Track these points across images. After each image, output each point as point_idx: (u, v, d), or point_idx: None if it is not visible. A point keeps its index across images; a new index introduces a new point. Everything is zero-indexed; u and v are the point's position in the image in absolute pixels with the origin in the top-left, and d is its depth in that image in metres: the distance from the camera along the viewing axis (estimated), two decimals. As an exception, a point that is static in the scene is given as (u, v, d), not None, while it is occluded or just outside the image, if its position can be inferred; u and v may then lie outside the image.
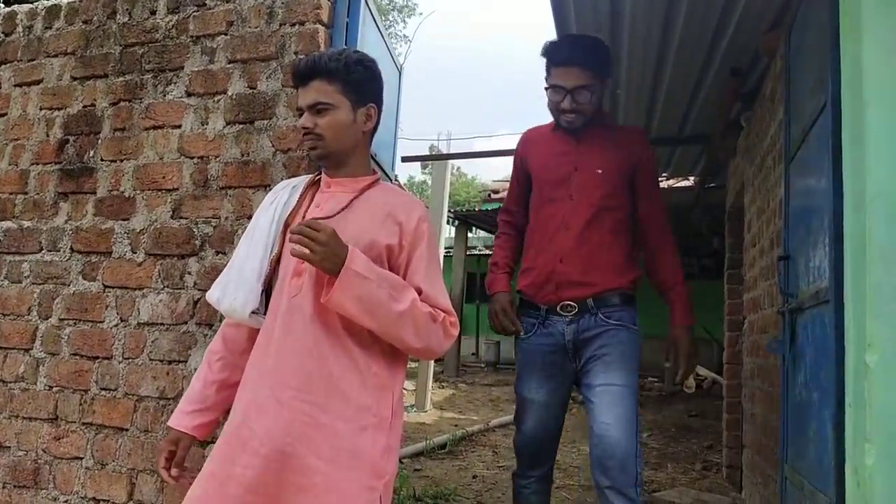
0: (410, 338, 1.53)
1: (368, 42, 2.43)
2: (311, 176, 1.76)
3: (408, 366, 1.77)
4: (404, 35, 16.46)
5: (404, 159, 7.26)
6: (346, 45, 2.29)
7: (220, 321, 2.17)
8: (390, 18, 15.75)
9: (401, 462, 5.03)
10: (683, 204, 7.59)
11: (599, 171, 2.17)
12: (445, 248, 8.89)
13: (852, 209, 1.72)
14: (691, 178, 6.61)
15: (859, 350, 1.63)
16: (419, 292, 1.57)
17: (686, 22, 3.11)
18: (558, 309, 2.16)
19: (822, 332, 1.93)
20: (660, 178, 2.41)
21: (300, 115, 1.63)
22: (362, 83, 1.64)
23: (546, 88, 2.22)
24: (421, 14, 16.77)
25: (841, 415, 1.73)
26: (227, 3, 2.40)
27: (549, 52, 2.21)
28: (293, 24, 2.28)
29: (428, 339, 1.55)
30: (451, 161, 8.94)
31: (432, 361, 8.15)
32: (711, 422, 6.96)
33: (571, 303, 2.15)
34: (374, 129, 1.72)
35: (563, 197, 2.20)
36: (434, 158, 8.60)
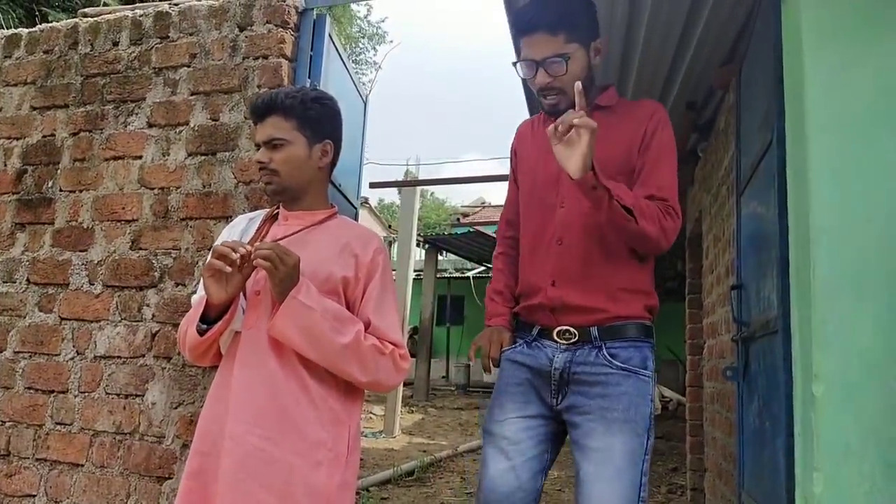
0: (356, 371, 1.55)
1: (333, 75, 2.46)
2: (269, 210, 1.77)
3: (366, 395, 1.77)
4: (374, 62, 16.56)
5: (373, 185, 7.29)
6: (309, 78, 2.32)
7: (179, 354, 2.16)
8: (360, 46, 15.84)
9: (367, 490, 4.98)
10: (647, 229, 7.73)
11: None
12: (415, 272, 8.90)
13: (797, 243, 1.78)
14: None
15: (806, 380, 1.69)
16: (368, 324, 1.59)
17: (642, 57, 3.20)
18: (554, 334, 1.71)
19: (772, 361, 1.99)
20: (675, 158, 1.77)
21: (258, 150, 1.66)
22: (319, 120, 1.66)
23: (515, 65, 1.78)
24: (391, 42, 16.89)
25: (791, 443, 1.78)
26: (190, 35, 2.42)
27: (515, 19, 1.80)
28: (256, 58, 2.30)
29: (376, 373, 1.57)
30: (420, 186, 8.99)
31: (401, 386, 8.11)
32: (677, 444, 7.03)
33: (571, 328, 1.70)
34: (333, 164, 1.74)
35: (553, 204, 1.75)
36: (401, 185, 8.65)
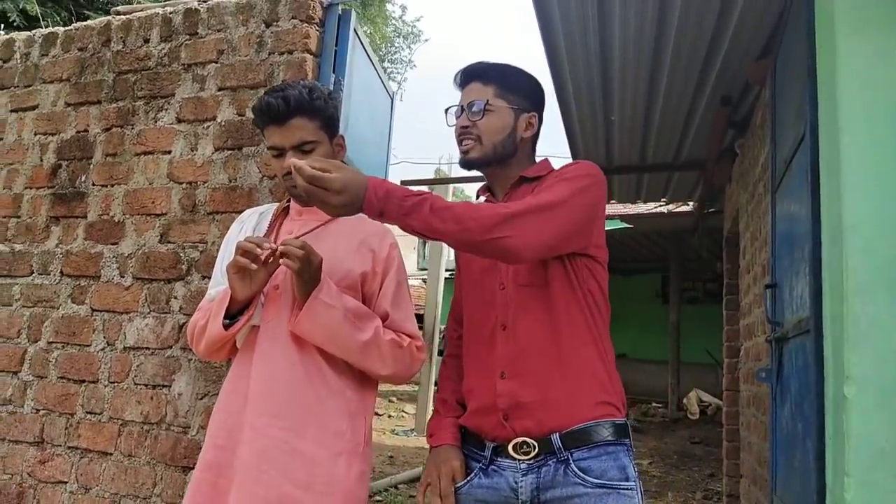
0: (377, 365, 1.56)
1: (358, 70, 2.46)
2: (279, 204, 1.77)
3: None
4: (410, 60, 16.62)
5: (404, 183, 7.30)
6: (333, 73, 2.33)
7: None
8: (396, 45, 15.92)
9: (396, 488, 5.00)
10: (684, 229, 7.59)
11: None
12: (448, 271, 8.88)
13: (830, 239, 1.72)
14: (691, 204, 6.61)
15: (838, 382, 1.63)
16: (386, 317, 1.60)
17: (675, 51, 3.13)
18: (510, 449, 1.44)
19: (804, 362, 1.93)
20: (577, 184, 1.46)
21: (277, 155, 1.61)
22: (335, 116, 1.66)
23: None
24: (427, 41, 16.95)
25: (822, 447, 1.72)
26: (218, 32, 2.45)
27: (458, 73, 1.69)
28: (282, 53, 2.32)
29: (395, 366, 1.58)
30: (451, 184, 8.97)
31: (433, 384, 8.11)
32: (714, 449, 6.88)
33: (528, 440, 1.43)
34: None
35: (493, 286, 1.54)
36: (433, 182, 8.67)
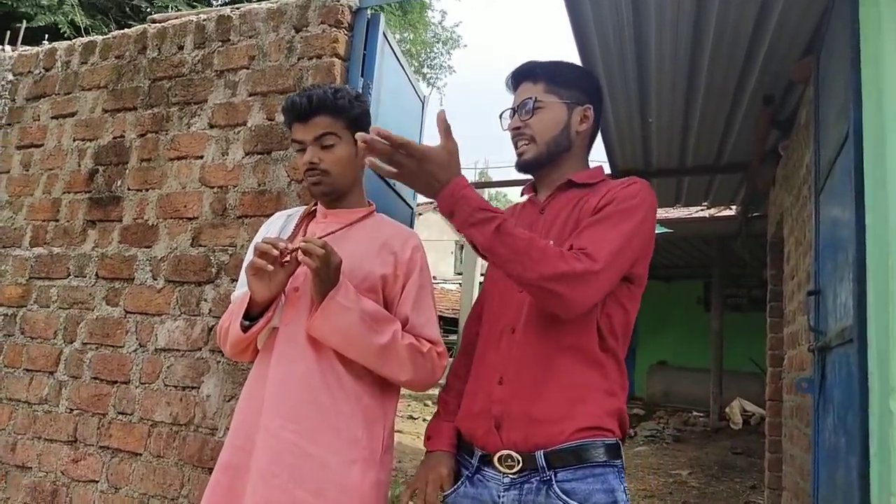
0: (395, 370, 1.53)
1: (387, 73, 2.45)
2: (306, 207, 1.77)
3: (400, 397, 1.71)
4: (449, 65, 16.65)
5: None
6: (362, 76, 2.32)
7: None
8: (435, 50, 15.97)
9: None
10: (727, 233, 7.40)
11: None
12: (482, 275, 8.86)
13: (875, 244, 1.64)
14: (734, 208, 6.44)
15: (883, 395, 1.54)
16: (406, 321, 1.57)
17: (714, 50, 3.05)
18: (495, 461, 1.40)
19: (847, 373, 1.83)
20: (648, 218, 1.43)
21: (301, 151, 1.63)
22: (361, 118, 1.65)
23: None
24: (465, 46, 16.94)
25: (866, 464, 1.63)
26: (249, 38, 2.47)
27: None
28: (311, 58, 2.33)
29: (414, 372, 1.55)
30: (492, 188, 8.94)
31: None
32: (757, 460, 6.68)
33: (513, 454, 1.37)
34: None
35: (513, 286, 1.44)
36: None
